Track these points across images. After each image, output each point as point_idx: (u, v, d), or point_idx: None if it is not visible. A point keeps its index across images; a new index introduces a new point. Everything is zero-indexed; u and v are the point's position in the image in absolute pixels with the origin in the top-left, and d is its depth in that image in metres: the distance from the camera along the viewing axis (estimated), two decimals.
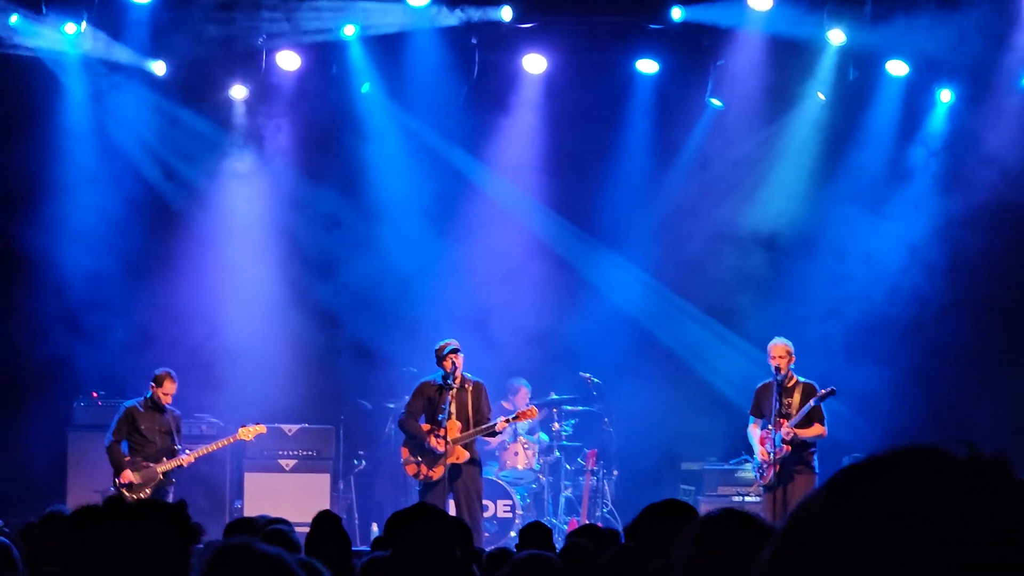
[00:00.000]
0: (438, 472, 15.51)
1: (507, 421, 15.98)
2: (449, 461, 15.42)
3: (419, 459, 15.66)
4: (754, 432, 15.80)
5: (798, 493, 15.03)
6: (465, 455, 15.58)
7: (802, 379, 15.62)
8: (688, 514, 5.14)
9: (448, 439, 15.40)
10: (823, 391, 15.33)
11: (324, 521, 7.75)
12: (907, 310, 19.34)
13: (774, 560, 1.61)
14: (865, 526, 1.53)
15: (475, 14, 19.04)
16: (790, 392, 15.43)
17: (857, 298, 19.55)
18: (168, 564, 2.75)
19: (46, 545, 7.87)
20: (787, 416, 15.29)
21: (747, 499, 16.81)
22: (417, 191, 20.21)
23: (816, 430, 15.34)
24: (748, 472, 17.04)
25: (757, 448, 15.62)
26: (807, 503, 1.62)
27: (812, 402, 15.28)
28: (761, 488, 15.90)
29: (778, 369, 15.32)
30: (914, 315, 19.32)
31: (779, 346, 15.48)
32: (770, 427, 15.32)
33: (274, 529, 8.04)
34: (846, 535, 1.54)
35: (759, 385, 15.88)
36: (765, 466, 15.41)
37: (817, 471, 15.38)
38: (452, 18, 19.04)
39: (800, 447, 15.32)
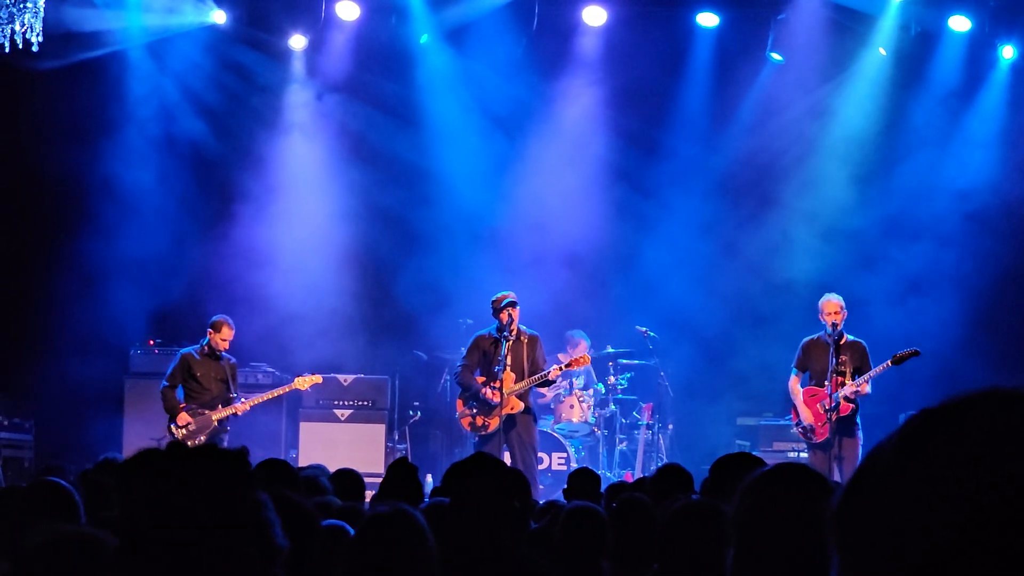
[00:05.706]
0: (493, 423, 15.51)
1: (560, 369, 15.96)
2: (504, 412, 15.41)
3: (474, 411, 15.68)
4: (795, 387, 15.65)
5: (850, 450, 14.91)
6: (520, 405, 15.57)
7: (851, 336, 15.37)
8: (757, 469, 5.08)
9: (503, 390, 15.39)
10: (907, 352, 14.90)
11: (400, 469, 7.74)
12: (966, 267, 19.16)
13: (846, 500, 1.58)
14: (940, 465, 1.50)
15: None
16: (842, 350, 15.18)
17: (914, 252, 19.37)
18: (227, 510, 2.75)
19: (102, 491, 7.91)
20: (842, 374, 15.08)
21: (802, 455, 16.69)
22: (475, 143, 20.19)
23: (866, 388, 15.15)
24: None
25: (801, 407, 15.41)
26: (881, 445, 1.58)
27: (889, 363, 14.95)
28: (807, 446, 15.73)
29: (834, 326, 15.06)
30: (971, 272, 19.15)
31: (832, 302, 15.22)
32: (825, 384, 15.12)
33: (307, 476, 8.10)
34: (920, 474, 1.51)
35: (806, 339, 15.61)
36: (819, 424, 15.22)
37: (860, 429, 15.24)
38: None
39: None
